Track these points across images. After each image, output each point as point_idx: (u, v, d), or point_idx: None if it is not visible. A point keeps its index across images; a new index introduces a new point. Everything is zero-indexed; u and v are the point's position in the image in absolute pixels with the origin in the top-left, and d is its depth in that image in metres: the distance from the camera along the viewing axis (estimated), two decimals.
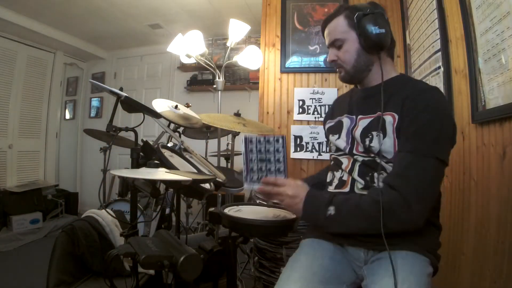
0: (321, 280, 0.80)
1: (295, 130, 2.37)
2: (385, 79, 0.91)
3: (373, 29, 0.87)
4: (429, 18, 1.67)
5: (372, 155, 0.89)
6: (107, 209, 1.36)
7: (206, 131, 2.60)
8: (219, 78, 2.36)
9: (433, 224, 0.90)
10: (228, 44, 2.29)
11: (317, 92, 2.37)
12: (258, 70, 2.56)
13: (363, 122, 0.94)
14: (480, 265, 1.19)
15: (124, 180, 2.43)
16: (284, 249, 1.38)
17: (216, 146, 2.37)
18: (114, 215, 1.39)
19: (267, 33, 2.51)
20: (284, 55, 2.43)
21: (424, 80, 1.76)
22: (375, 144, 0.88)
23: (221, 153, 2.44)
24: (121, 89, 1.28)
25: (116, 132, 1.22)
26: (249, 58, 2.31)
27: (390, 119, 0.86)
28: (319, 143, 2.32)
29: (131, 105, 1.27)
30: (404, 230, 0.79)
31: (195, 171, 1.30)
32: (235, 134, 2.33)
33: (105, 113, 4.41)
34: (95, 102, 4.48)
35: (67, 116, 4.57)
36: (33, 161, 3.80)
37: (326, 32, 0.97)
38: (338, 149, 1.00)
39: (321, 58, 2.39)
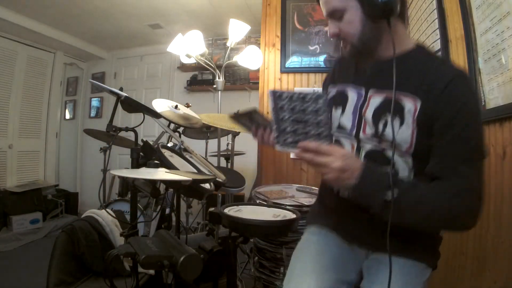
0: (331, 274, 0.79)
1: None
2: (399, 51, 0.77)
3: None
4: (429, 18, 1.67)
5: (382, 145, 0.78)
6: (107, 209, 1.37)
7: (206, 131, 2.60)
8: (219, 78, 2.36)
9: None
10: (228, 44, 2.30)
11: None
12: (258, 70, 2.56)
13: (375, 101, 0.81)
14: (480, 265, 1.19)
15: (124, 180, 2.43)
16: (284, 249, 1.38)
17: (216, 146, 2.38)
18: (114, 215, 1.39)
19: (267, 33, 2.51)
20: (284, 55, 2.43)
21: None
22: (389, 131, 0.76)
23: (221, 153, 2.44)
24: (121, 89, 1.28)
25: (116, 132, 1.22)
26: (249, 58, 2.31)
27: (410, 106, 0.74)
28: None
29: (131, 105, 1.27)
30: (463, 230, 0.76)
31: (195, 171, 1.30)
32: (235, 134, 2.33)
33: (105, 113, 4.41)
34: (95, 102, 4.48)
35: (67, 116, 4.57)
36: (33, 161, 3.80)
37: (321, 0, 0.81)
38: (340, 128, 0.87)
39: (321, 58, 2.39)
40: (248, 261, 2.11)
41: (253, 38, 3.57)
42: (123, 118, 4.02)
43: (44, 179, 3.87)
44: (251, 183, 3.18)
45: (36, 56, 3.78)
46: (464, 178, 0.69)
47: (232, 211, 1.15)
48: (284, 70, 2.44)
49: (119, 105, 1.27)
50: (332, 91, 0.93)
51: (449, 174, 0.70)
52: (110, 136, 2.47)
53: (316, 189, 1.82)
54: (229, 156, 2.79)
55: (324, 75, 2.37)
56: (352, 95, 0.86)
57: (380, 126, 0.78)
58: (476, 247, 1.23)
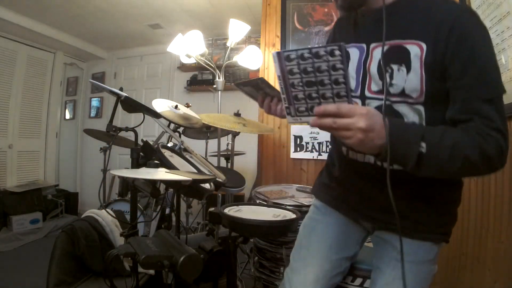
0: (335, 252, 0.88)
1: (295, 130, 2.37)
2: None
3: None
4: None
5: (393, 98, 0.74)
6: (107, 209, 1.37)
7: (206, 131, 2.60)
8: (219, 78, 2.36)
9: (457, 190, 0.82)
10: (228, 44, 2.29)
11: None
12: (258, 70, 2.56)
13: (378, 52, 0.76)
14: (480, 265, 1.19)
15: (124, 180, 2.43)
16: (284, 249, 1.38)
17: (216, 146, 2.37)
18: (114, 215, 1.39)
19: (267, 33, 2.51)
20: None
21: None
22: (397, 80, 0.72)
23: (221, 153, 2.44)
24: (121, 89, 1.28)
25: (116, 132, 1.22)
26: (249, 58, 2.31)
27: (416, 50, 0.70)
28: (319, 143, 2.32)
29: (131, 105, 1.27)
30: (493, 172, 0.69)
31: (195, 171, 1.30)
32: (235, 134, 2.33)
33: (105, 113, 4.41)
34: (95, 102, 4.48)
35: (67, 116, 4.57)
36: (33, 161, 3.80)
37: None
38: None
39: None
40: (248, 261, 2.11)
41: (253, 38, 3.57)
42: (123, 118, 4.02)
43: (44, 179, 3.87)
44: (251, 183, 3.18)
45: (36, 56, 3.78)
46: (489, 119, 0.65)
47: (232, 211, 1.15)
48: None
49: (119, 105, 1.27)
50: None
51: (473, 117, 0.66)
52: (110, 136, 2.47)
53: None
54: (229, 156, 2.79)
55: None
56: (355, 53, 0.81)
57: (387, 78, 0.74)
58: (476, 247, 1.23)
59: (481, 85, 0.66)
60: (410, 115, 0.74)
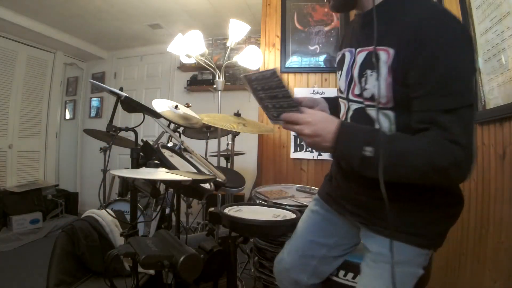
0: (311, 234, 0.99)
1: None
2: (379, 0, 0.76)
3: None
4: None
5: (366, 102, 0.77)
6: (107, 209, 1.36)
7: (206, 131, 2.59)
8: (219, 78, 2.36)
9: (450, 194, 0.80)
10: (228, 44, 2.29)
11: (317, 92, 2.37)
12: (258, 70, 2.56)
13: (360, 57, 0.79)
14: (480, 265, 1.19)
15: (124, 180, 2.43)
16: None
17: (216, 146, 2.37)
18: (114, 215, 1.39)
19: (267, 33, 2.51)
20: (284, 55, 2.44)
21: None
22: (369, 85, 0.76)
23: (221, 153, 2.44)
24: (121, 89, 1.28)
25: (116, 132, 1.22)
26: (249, 58, 2.31)
27: (384, 56, 0.71)
28: None
29: (131, 105, 1.27)
30: (453, 182, 0.71)
31: (195, 171, 1.30)
32: (235, 134, 2.33)
33: (105, 113, 4.41)
34: (95, 102, 4.48)
35: (67, 116, 4.57)
36: (33, 161, 3.80)
37: None
38: (340, 91, 0.89)
39: (321, 58, 2.39)
40: (248, 261, 2.11)
41: (253, 38, 3.57)
42: (123, 118, 4.02)
43: (44, 179, 3.87)
44: (251, 183, 3.18)
45: (36, 56, 3.78)
46: (446, 130, 0.65)
47: (232, 211, 1.15)
48: (284, 70, 2.44)
49: (119, 105, 1.27)
50: (339, 55, 0.92)
51: (430, 127, 0.67)
52: (110, 136, 2.47)
53: (315, 188, 1.82)
54: (229, 156, 2.79)
55: (324, 75, 2.40)
56: (347, 57, 0.85)
57: (362, 82, 0.77)
58: (476, 247, 1.23)
59: (440, 95, 0.65)
60: (380, 119, 0.75)
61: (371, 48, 0.74)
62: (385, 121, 0.75)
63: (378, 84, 0.73)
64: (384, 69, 0.72)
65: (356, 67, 0.80)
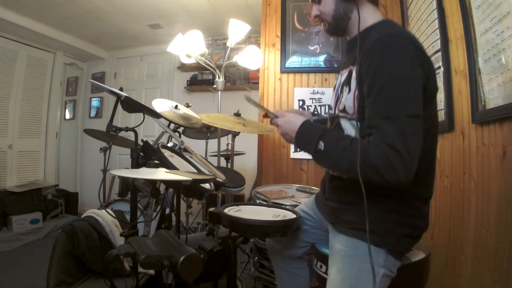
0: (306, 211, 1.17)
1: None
2: (364, 26, 0.92)
3: None
4: (429, 18, 1.67)
5: (341, 113, 0.93)
6: (107, 209, 1.37)
7: (206, 131, 2.60)
8: (219, 78, 2.36)
9: (417, 198, 0.88)
10: (228, 44, 2.29)
11: (317, 92, 2.37)
12: (258, 70, 2.56)
13: (342, 77, 0.97)
14: (480, 265, 1.19)
15: (124, 180, 2.43)
16: None
17: (216, 146, 2.37)
18: (114, 215, 1.39)
19: (267, 33, 2.51)
20: (284, 55, 2.44)
21: None
22: (343, 99, 0.92)
23: (221, 153, 2.44)
24: (121, 89, 1.28)
25: (116, 132, 1.22)
26: (249, 58, 2.31)
27: (353, 73, 0.87)
28: None
29: (131, 105, 1.27)
30: (389, 187, 0.76)
31: (195, 171, 1.30)
32: (235, 134, 2.33)
33: (105, 113, 4.41)
34: (95, 102, 4.49)
35: (67, 116, 4.57)
36: (33, 161, 3.80)
37: None
38: (329, 107, 1.07)
39: (321, 58, 2.39)
40: (248, 261, 2.11)
41: (253, 38, 3.57)
42: (123, 118, 4.02)
43: (44, 179, 3.87)
44: (251, 183, 3.18)
45: (36, 56, 3.78)
46: (383, 134, 0.74)
47: (232, 211, 1.15)
48: (284, 70, 2.44)
49: (119, 105, 1.27)
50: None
51: (374, 131, 0.77)
52: (110, 136, 2.47)
53: (315, 189, 1.82)
54: (229, 156, 2.79)
55: (324, 75, 2.40)
56: (337, 79, 1.02)
57: (341, 98, 0.93)
58: (476, 247, 1.23)
59: (381, 103, 0.77)
60: (349, 128, 0.91)
61: (349, 68, 0.91)
62: (352, 130, 0.90)
63: (347, 98, 0.89)
64: (353, 84, 0.87)
65: (338, 85, 0.98)
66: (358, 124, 0.85)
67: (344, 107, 0.91)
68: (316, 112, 1.20)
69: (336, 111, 0.96)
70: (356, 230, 0.88)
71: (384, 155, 0.73)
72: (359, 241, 0.87)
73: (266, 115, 1.05)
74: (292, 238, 1.16)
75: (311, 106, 2.37)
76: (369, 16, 0.92)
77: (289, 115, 0.95)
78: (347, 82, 0.91)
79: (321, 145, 0.83)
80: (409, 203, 0.87)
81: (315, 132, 0.86)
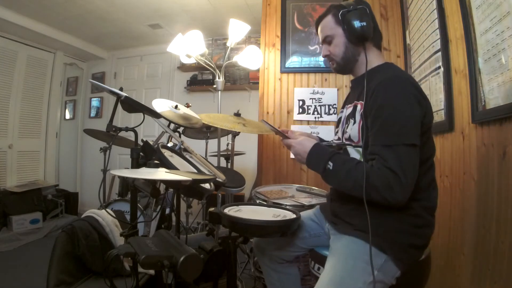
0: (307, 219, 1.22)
1: (295, 130, 2.37)
2: (370, 67, 1.04)
3: (356, 23, 0.99)
4: (429, 18, 1.67)
5: (347, 141, 1.05)
6: (107, 209, 1.36)
7: (206, 131, 2.59)
8: (219, 78, 2.36)
9: (425, 210, 0.95)
10: (228, 44, 2.29)
11: (317, 92, 2.37)
12: (258, 70, 2.56)
13: (347, 111, 1.09)
14: (480, 265, 1.19)
15: (124, 180, 2.43)
16: None
17: (216, 146, 2.37)
18: (114, 215, 1.39)
19: (267, 33, 2.51)
20: (284, 55, 2.44)
21: (424, 80, 1.76)
22: (349, 130, 1.04)
23: (221, 153, 2.44)
24: (121, 89, 1.28)
25: (116, 132, 1.22)
26: (249, 58, 2.30)
27: (359, 107, 1.00)
28: None
29: (131, 105, 1.27)
30: (388, 204, 0.86)
31: (195, 171, 1.30)
32: (235, 134, 2.33)
33: (105, 113, 4.41)
34: (95, 102, 4.49)
35: (67, 116, 4.57)
36: (33, 161, 3.80)
37: (318, 30, 1.12)
38: (338, 138, 1.16)
39: (321, 58, 2.38)
40: (248, 261, 2.11)
41: (253, 38, 3.57)
42: (123, 118, 4.02)
43: (44, 179, 3.87)
44: (251, 183, 3.18)
45: (36, 56, 3.78)
46: (384, 160, 0.86)
47: (232, 211, 1.15)
48: (284, 70, 2.44)
49: (119, 105, 1.27)
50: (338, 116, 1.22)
51: (375, 157, 0.89)
52: (110, 136, 2.47)
53: (315, 189, 1.82)
54: (229, 156, 2.79)
55: (324, 75, 2.40)
56: (343, 113, 1.14)
57: (346, 128, 1.06)
58: (476, 247, 1.23)
59: (382, 134, 0.89)
60: (354, 154, 1.02)
61: (354, 103, 1.04)
62: (357, 155, 1.01)
63: (353, 128, 1.01)
64: (358, 116, 1.00)
65: (345, 117, 1.10)
66: (362, 151, 0.97)
67: (350, 136, 1.03)
68: (324, 140, 1.31)
69: (344, 140, 1.08)
70: (361, 232, 0.93)
71: (384, 176, 0.85)
72: (361, 242, 0.92)
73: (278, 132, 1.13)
74: (287, 242, 1.19)
75: (311, 106, 2.37)
76: (374, 59, 1.05)
77: (301, 137, 1.06)
78: (352, 114, 1.03)
79: (330, 165, 0.94)
80: (418, 214, 0.94)
81: (325, 153, 0.97)
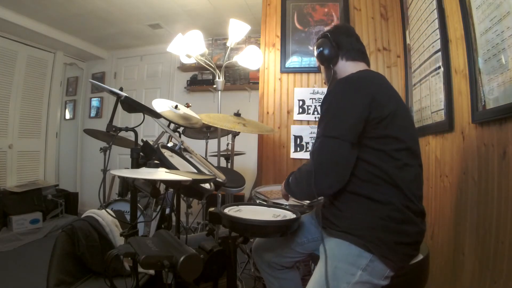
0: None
1: (295, 130, 2.37)
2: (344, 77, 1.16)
3: (316, 52, 1.19)
4: (429, 18, 1.67)
5: None
6: (107, 209, 1.37)
7: (206, 131, 2.59)
8: (219, 78, 2.36)
9: (405, 207, 0.94)
10: (228, 44, 2.29)
11: (317, 92, 2.37)
12: (258, 70, 2.56)
13: None
14: (480, 265, 1.19)
15: (124, 180, 2.43)
16: None
17: (216, 146, 2.37)
18: (114, 215, 1.39)
19: (267, 33, 2.51)
20: (284, 55, 2.43)
21: (424, 80, 1.76)
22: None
23: (221, 153, 2.44)
24: (121, 89, 1.28)
25: (116, 132, 1.22)
26: (249, 58, 2.30)
27: None
28: None
29: (131, 105, 1.27)
30: (314, 196, 0.97)
31: (195, 171, 1.30)
32: (235, 134, 2.33)
33: (105, 113, 4.41)
34: (95, 102, 4.49)
35: (67, 116, 4.57)
36: (33, 161, 3.80)
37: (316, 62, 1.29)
38: None
39: None
40: (248, 261, 2.11)
41: (253, 38, 3.57)
42: (123, 118, 4.02)
43: (44, 179, 3.87)
44: (251, 183, 3.18)
45: (36, 56, 3.78)
46: (312, 150, 0.98)
47: (232, 211, 1.15)
48: (284, 70, 2.44)
49: (119, 105, 1.27)
50: None
51: None
52: (110, 136, 2.47)
53: None
54: (229, 156, 2.79)
55: None
56: None
57: None
58: (476, 247, 1.23)
59: (319, 129, 1.01)
60: None
61: None
62: None
63: None
64: None
65: None
66: None
67: None
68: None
69: None
70: (345, 233, 0.95)
71: (308, 167, 0.97)
72: (345, 243, 0.94)
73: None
74: (286, 249, 1.21)
75: (311, 106, 2.37)
76: (349, 69, 1.15)
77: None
78: None
79: (289, 179, 1.12)
80: (399, 210, 0.93)
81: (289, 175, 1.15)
